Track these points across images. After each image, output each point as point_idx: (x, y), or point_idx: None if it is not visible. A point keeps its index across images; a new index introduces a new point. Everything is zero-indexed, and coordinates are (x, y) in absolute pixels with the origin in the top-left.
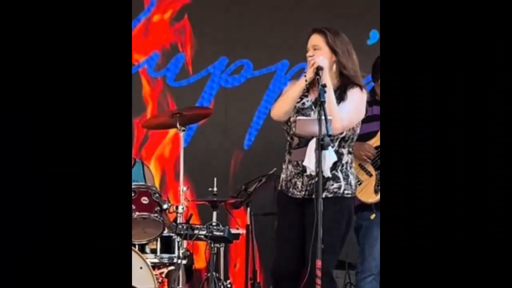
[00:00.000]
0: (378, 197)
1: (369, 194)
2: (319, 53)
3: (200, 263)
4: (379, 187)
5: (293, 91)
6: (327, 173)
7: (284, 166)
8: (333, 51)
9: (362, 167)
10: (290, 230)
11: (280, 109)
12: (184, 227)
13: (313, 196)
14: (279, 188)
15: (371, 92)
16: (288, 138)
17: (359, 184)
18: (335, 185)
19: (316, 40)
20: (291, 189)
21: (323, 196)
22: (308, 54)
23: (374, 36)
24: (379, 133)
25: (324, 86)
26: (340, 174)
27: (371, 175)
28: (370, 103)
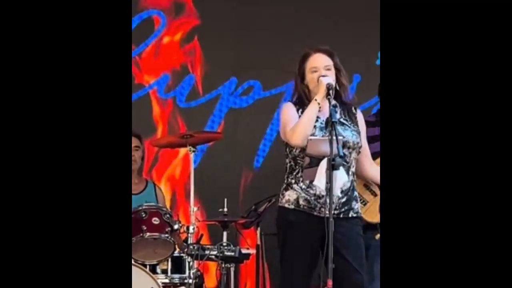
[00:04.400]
0: None
1: (373, 214)
2: (330, 73)
3: (210, 283)
4: None
5: (310, 114)
6: (337, 193)
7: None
8: (338, 71)
9: (367, 187)
10: (306, 248)
11: (302, 134)
12: (195, 247)
13: (341, 216)
14: (292, 207)
15: (377, 112)
16: (288, 161)
17: (364, 204)
18: (357, 204)
19: (326, 60)
20: (317, 208)
21: (349, 215)
22: (320, 74)
23: None
24: None
25: (335, 106)
26: (356, 193)
27: (376, 195)
28: (377, 123)
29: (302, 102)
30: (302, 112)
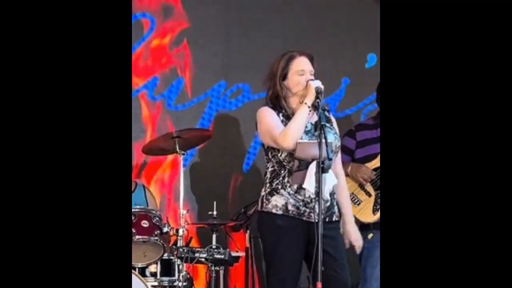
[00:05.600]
0: (376, 217)
1: (367, 214)
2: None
3: (199, 286)
4: (378, 207)
5: (301, 118)
6: (326, 196)
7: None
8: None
9: (361, 187)
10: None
11: (294, 138)
12: (185, 250)
13: (327, 220)
14: (280, 212)
15: (378, 115)
16: (270, 165)
17: (358, 204)
18: (336, 207)
19: (310, 64)
20: (306, 213)
21: (333, 219)
22: (307, 77)
23: (372, 59)
24: (379, 155)
25: (324, 109)
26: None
27: (370, 195)
28: (375, 125)
29: (278, 104)
30: (283, 116)
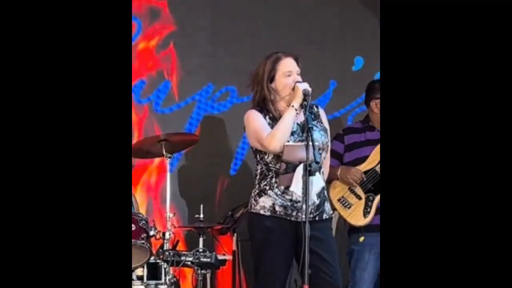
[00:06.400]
0: (367, 220)
1: (358, 218)
2: (300, 79)
3: None
4: (369, 210)
5: (288, 120)
6: (313, 198)
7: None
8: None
9: (351, 190)
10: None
11: (281, 141)
12: (171, 254)
13: (317, 218)
14: (268, 213)
15: (366, 119)
16: (259, 167)
17: (349, 208)
18: (328, 205)
19: (295, 65)
20: (293, 214)
21: (323, 217)
22: (295, 79)
23: (359, 62)
24: (369, 158)
25: (311, 112)
26: (326, 193)
27: (360, 198)
28: (363, 129)
29: (265, 107)
30: (270, 118)
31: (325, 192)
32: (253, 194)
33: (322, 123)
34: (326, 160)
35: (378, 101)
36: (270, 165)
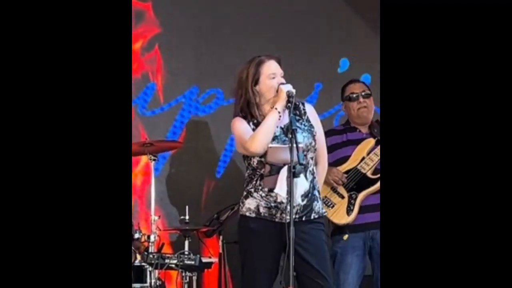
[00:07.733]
0: (351, 218)
1: (341, 216)
2: (283, 81)
3: None
4: (352, 208)
5: (270, 123)
6: (298, 200)
7: (256, 195)
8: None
9: (334, 190)
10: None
11: (262, 142)
12: (155, 257)
13: (304, 219)
14: (253, 215)
15: (347, 120)
16: (247, 172)
17: (332, 207)
18: (318, 204)
19: (279, 68)
20: (278, 215)
21: (311, 217)
22: (279, 81)
23: (344, 64)
24: (350, 158)
25: (297, 109)
26: (316, 193)
27: (343, 197)
28: (344, 130)
29: (250, 113)
30: (254, 124)
31: (317, 192)
32: (242, 197)
33: (308, 121)
34: (323, 157)
35: (346, 102)
36: (257, 170)
